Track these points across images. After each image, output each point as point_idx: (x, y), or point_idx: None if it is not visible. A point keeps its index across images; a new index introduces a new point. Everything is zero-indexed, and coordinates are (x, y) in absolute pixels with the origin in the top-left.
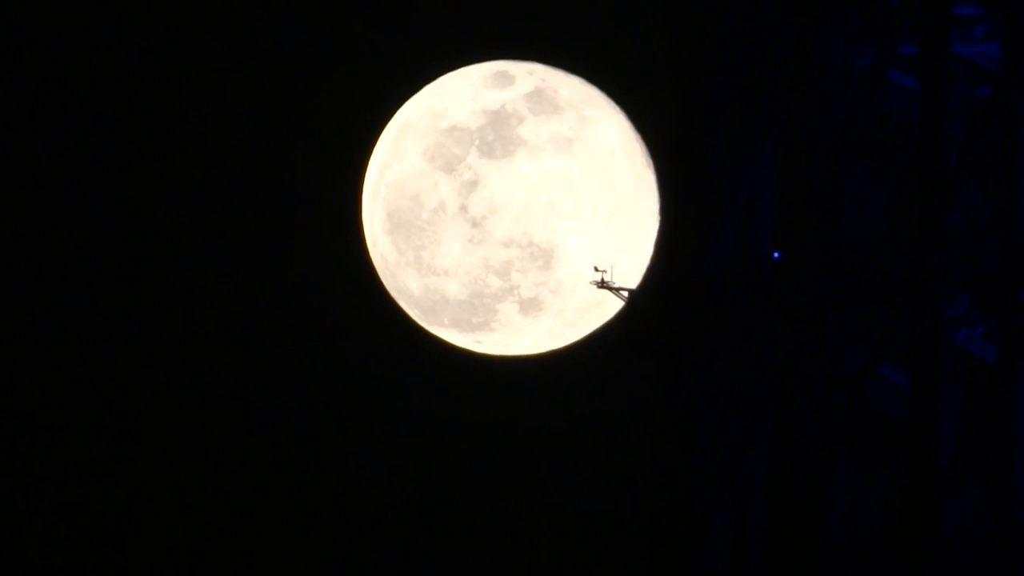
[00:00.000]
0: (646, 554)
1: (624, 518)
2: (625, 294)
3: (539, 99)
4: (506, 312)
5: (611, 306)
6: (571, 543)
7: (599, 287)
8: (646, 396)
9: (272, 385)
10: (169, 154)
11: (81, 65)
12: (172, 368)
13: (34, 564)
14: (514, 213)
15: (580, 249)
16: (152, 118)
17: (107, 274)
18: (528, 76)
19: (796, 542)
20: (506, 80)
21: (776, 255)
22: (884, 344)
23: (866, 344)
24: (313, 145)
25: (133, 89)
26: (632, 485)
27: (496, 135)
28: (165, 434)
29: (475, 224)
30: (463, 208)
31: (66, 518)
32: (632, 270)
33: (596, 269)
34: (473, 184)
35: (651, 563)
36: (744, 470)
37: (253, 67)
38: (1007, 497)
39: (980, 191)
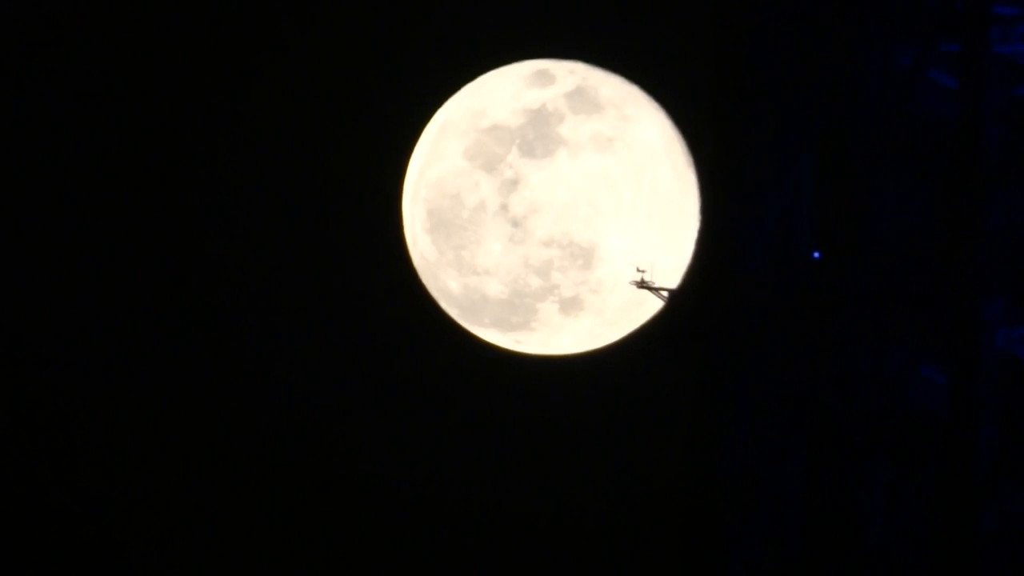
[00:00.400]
0: (681, 555)
1: (661, 518)
2: (665, 294)
3: (580, 98)
4: (546, 311)
5: (651, 306)
6: (607, 542)
7: (639, 287)
8: (685, 396)
9: (313, 384)
10: (212, 154)
11: (129, 64)
12: (212, 366)
13: (65, 558)
14: (555, 212)
15: (620, 248)
16: (196, 118)
17: (151, 275)
18: (569, 75)
19: (834, 543)
20: (547, 79)
21: (816, 255)
22: (923, 344)
23: (905, 344)
24: (354, 144)
25: (178, 89)
26: (669, 485)
27: (537, 134)
28: (205, 432)
29: (515, 223)
30: (503, 207)
31: (110, 507)
32: (672, 269)
33: (638, 269)
34: (514, 183)
35: (686, 564)
36: (782, 471)
37: (295, 68)
38: None
39: (1020, 191)
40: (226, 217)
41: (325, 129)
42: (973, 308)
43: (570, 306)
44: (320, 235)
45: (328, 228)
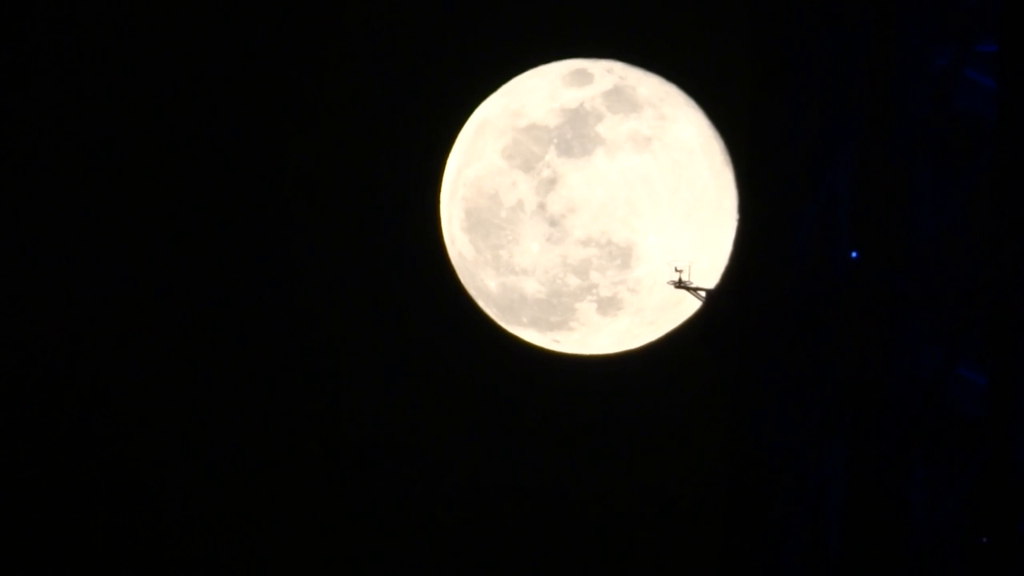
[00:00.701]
0: (722, 555)
1: (700, 519)
2: (703, 294)
3: (617, 97)
4: (584, 311)
5: (689, 305)
6: (647, 541)
7: (677, 287)
8: (724, 397)
9: (351, 384)
10: (251, 153)
11: (167, 64)
12: (249, 364)
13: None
14: (592, 211)
15: (658, 248)
16: (236, 118)
17: (190, 273)
18: (606, 74)
19: (874, 544)
20: (584, 78)
21: (854, 255)
22: (962, 344)
23: (944, 344)
24: (393, 144)
25: (216, 91)
26: (709, 485)
27: (574, 133)
28: (242, 427)
29: (553, 223)
30: (541, 206)
31: (127, 497)
32: (710, 269)
33: (676, 269)
34: (551, 182)
35: (726, 564)
36: (821, 472)
37: (334, 67)
38: None
39: None
40: (264, 218)
41: (364, 129)
42: (1012, 307)
43: (608, 305)
44: (359, 235)
45: (367, 228)
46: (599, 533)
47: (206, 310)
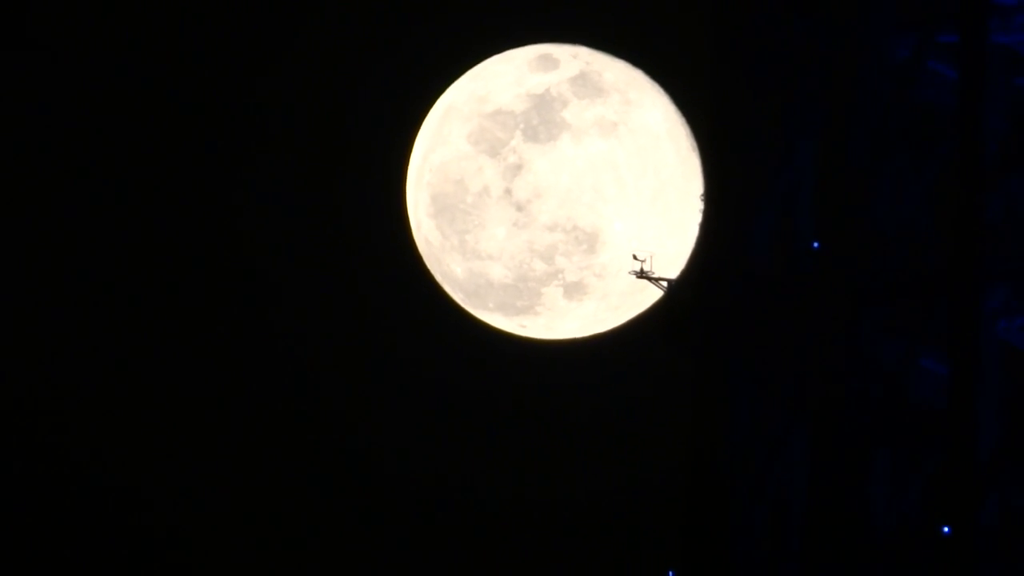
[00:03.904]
0: (684, 536)
1: (663, 503)
2: (664, 284)
3: (583, 83)
4: (551, 296)
5: (655, 290)
6: (610, 523)
7: (638, 277)
8: (688, 381)
9: (318, 366)
10: (216, 140)
11: (123, 56)
12: (213, 350)
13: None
14: (559, 197)
15: (624, 233)
16: (198, 105)
17: (155, 264)
18: (572, 59)
19: (836, 533)
20: (550, 63)
21: (815, 246)
22: (924, 335)
23: (906, 335)
24: (358, 129)
25: (178, 80)
26: (672, 470)
27: (540, 119)
28: (208, 415)
29: (520, 208)
30: (507, 192)
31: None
32: (676, 254)
33: (635, 258)
34: (517, 168)
35: (689, 545)
36: (784, 461)
37: (301, 53)
38: None
39: (1020, 181)
40: (230, 204)
41: (329, 114)
42: (973, 298)
43: (574, 290)
44: (324, 221)
45: (333, 213)
46: (562, 513)
47: (170, 300)
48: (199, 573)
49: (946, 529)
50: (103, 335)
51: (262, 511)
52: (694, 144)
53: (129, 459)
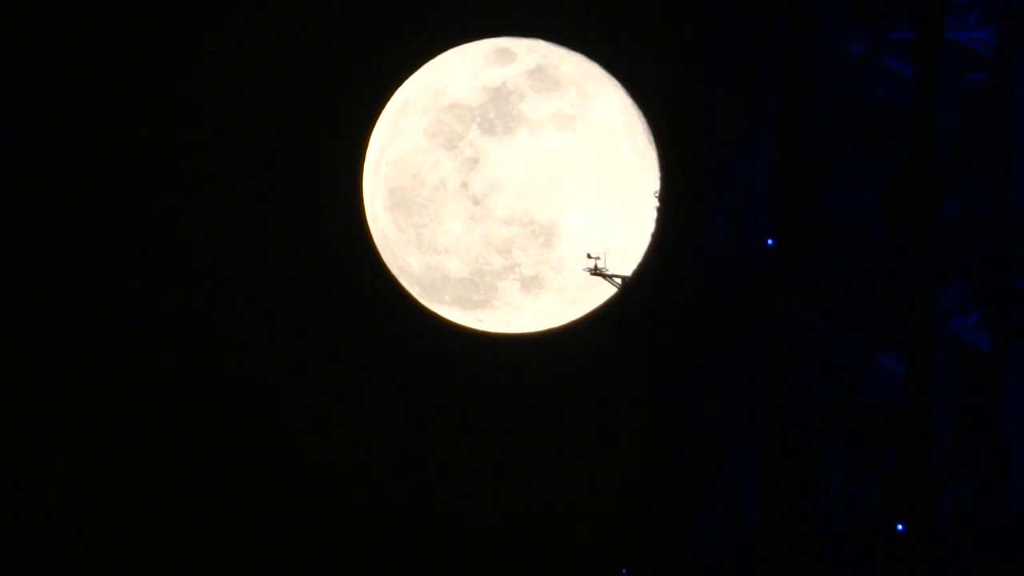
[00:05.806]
0: (639, 531)
1: (617, 500)
2: (619, 281)
3: (540, 76)
4: (507, 290)
5: (611, 285)
6: (566, 518)
7: (592, 274)
8: (642, 380)
9: (273, 362)
10: (169, 136)
11: (84, 51)
12: (173, 351)
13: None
14: (515, 190)
15: (582, 227)
16: (150, 102)
17: (110, 263)
18: (529, 53)
19: (790, 530)
20: (507, 57)
21: (770, 242)
22: (878, 332)
23: (860, 332)
24: (314, 122)
25: (133, 74)
26: (626, 471)
27: (497, 112)
28: (166, 418)
29: (476, 202)
30: (464, 185)
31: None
32: (633, 247)
33: (589, 256)
34: (474, 161)
35: (643, 548)
36: (738, 459)
37: (253, 45)
38: (1003, 485)
39: (974, 178)
40: (183, 200)
41: (284, 107)
42: (927, 295)
43: (531, 284)
44: (281, 214)
45: (288, 207)
46: (517, 509)
47: (127, 296)
48: None
49: (900, 526)
50: (40, 342)
51: (206, 513)
52: (651, 138)
53: (80, 471)
